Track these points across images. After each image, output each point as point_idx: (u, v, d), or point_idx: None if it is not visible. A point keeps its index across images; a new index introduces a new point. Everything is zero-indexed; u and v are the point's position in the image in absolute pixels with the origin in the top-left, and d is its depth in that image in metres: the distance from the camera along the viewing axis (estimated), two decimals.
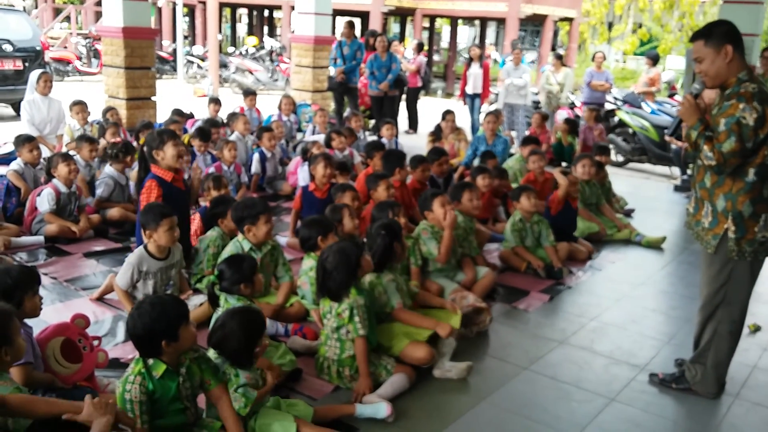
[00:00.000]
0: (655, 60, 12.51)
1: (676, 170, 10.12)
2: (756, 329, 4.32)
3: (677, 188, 8.66)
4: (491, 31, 31.37)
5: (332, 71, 11.12)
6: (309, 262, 4.02)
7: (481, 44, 25.73)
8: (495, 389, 3.45)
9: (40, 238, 5.12)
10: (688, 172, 8.90)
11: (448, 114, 8.33)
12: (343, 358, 3.37)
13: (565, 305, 4.65)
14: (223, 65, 18.72)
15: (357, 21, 18.57)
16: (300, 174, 6.76)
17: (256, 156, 7.06)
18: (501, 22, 24.60)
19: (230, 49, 23.10)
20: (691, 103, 3.28)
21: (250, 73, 18.48)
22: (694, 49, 3.26)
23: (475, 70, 11.75)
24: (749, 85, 3.13)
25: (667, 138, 10.21)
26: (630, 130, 10.83)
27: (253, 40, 21.71)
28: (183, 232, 4.10)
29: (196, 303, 3.96)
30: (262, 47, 20.55)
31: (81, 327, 3.07)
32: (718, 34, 3.18)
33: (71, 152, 6.00)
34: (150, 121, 8.09)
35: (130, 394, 2.53)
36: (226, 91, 17.72)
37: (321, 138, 7.76)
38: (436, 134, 8.26)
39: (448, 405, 3.29)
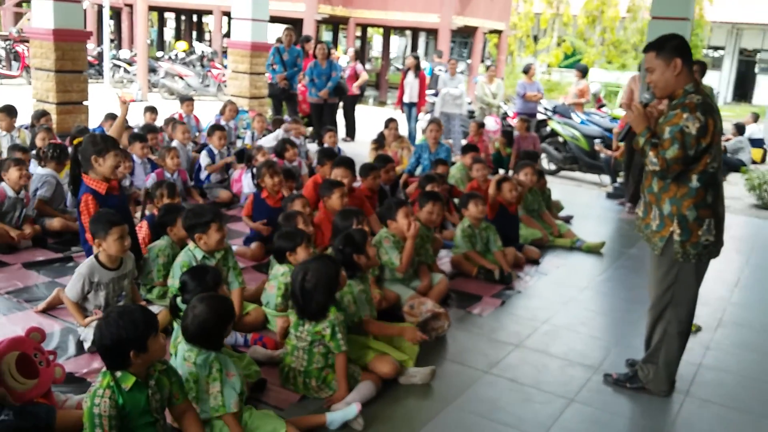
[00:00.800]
0: (584, 72, 13.00)
1: (605, 178, 10.52)
2: (697, 329, 4.52)
3: (609, 195, 9.00)
4: (422, 41, 31.77)
5: (269, 77, 11.01)
6: (281, 268, 3.95)
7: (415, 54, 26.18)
8: (459, 393, 3.49)
9: None
10: (619, 180, 9.27)
11: (390, 122, 8.38)
12: (311, 369, 3.33)
13: (517, 309, 4.76)
14: (152, 70, 18.25)
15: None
16: (244, 181, 6.67)
17: (203, 153, 6.93)
18: (431, 32, 24.98)
19: (158, 54, 22.51)
20: (640, 112, 3.43)
21: (181, 78, 18.07)
22: (646, 60, 3.42)
23: (411, 79, 11.89)
24: (694, 97, 3.29)
25: (596, 147, 10.62)
26: (561, 140, 11.19)
27: (183, 45, 21.27)
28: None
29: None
30: (192, 52, 20.16)
31: (36, 341, 2.93)
32: (669, 48, 3.34)
33: None
34: (85, 126, 7.79)
35: (99, 408, 2.43)
36: (155, 96, 17.28)
37: (264, 142, 7.68)
38: (379, 142, 8.30)
39: (416, 411, 3.31)
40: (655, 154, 3.28)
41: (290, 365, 3.39)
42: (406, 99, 11.97)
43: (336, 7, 20.22)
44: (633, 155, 8.21)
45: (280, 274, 3.96)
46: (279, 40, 10.48)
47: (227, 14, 21.79)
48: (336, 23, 23.10)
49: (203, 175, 6.92)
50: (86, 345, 3.60)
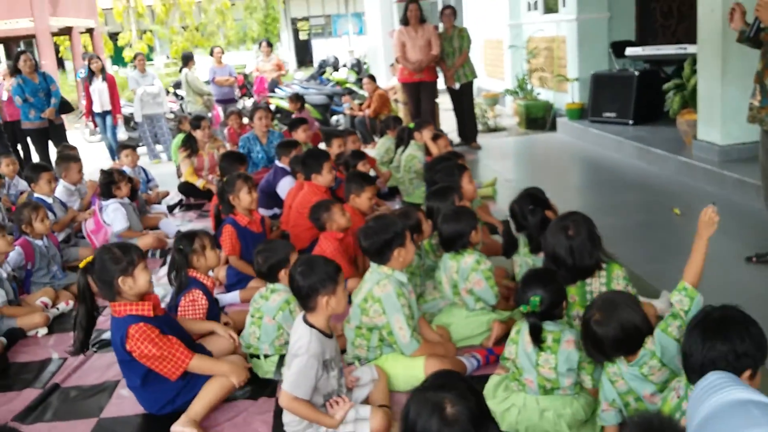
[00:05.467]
0: (271, 46, 12.89)
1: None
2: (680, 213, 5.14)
3: None
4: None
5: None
6: (471, 257, 3.24)
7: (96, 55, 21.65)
8: None
9: None
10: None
11: (202, 120, 7.09)
12: None
13: None
14: None
15: None
16: (116, 220, 4.99)
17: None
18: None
19: None
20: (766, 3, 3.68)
21: None
22: None
23: (99, 84, 10.17)
24: None
25: (346, 110, 10.71)
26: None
27: None
28: None
29: (369, 379, 2.82)
30: None
31: None
32: None
33: None
34: None
35: None
36: None
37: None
38: (191, 146, 6.92)
39: None
40: None
41: None
42: (97, 108, 10.20)
43: None
44: (462, 103, 8.53)
45: (474, 262, 3.23)
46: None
47: None
48: None
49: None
50: None
